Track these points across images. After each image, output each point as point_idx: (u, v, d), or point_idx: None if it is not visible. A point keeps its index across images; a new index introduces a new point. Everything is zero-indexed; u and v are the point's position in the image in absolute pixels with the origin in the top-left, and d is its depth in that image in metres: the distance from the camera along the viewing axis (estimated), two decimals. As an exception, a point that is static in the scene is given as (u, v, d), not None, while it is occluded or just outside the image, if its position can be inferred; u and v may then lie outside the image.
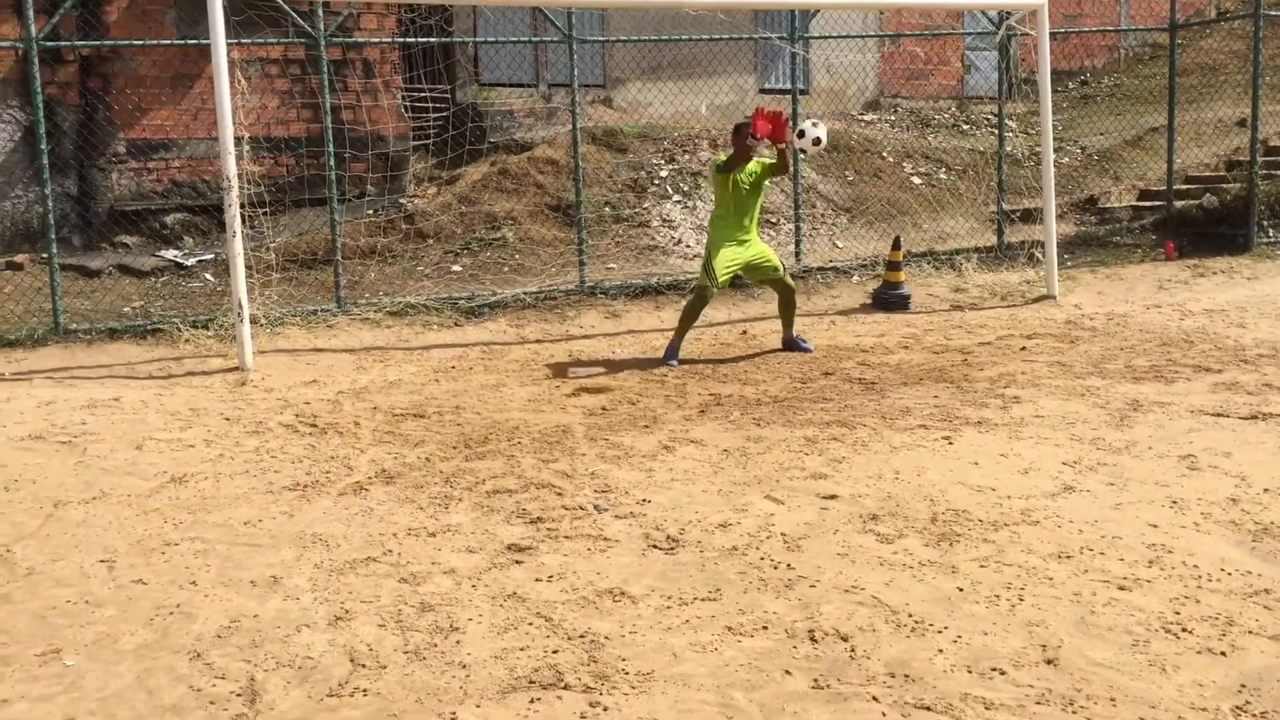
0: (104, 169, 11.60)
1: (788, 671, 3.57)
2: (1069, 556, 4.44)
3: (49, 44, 9.59)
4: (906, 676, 3.50)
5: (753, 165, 8.56)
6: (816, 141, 8.51)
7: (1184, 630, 3.76)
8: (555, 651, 3.75)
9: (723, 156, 8.63)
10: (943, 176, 14.47)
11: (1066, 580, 4.21)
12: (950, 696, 3.37)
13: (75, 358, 8.81)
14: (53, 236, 9.23)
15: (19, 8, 9.65)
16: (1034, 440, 6.10)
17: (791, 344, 8.87)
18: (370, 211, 12.22)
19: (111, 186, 11.67)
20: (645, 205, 12.60)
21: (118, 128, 11.59)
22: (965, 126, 16.38)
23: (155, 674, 3.68)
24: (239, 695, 3.53)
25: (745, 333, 9.60)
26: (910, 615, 3.94)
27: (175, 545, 4.88)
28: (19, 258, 10.86)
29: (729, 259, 8.51)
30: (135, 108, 11.59)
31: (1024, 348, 8.60)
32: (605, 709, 3.37)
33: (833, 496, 5.27)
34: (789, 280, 8.87)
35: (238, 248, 8.42)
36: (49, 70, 10.81)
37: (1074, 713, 3.27)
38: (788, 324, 8.92)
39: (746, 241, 8.59)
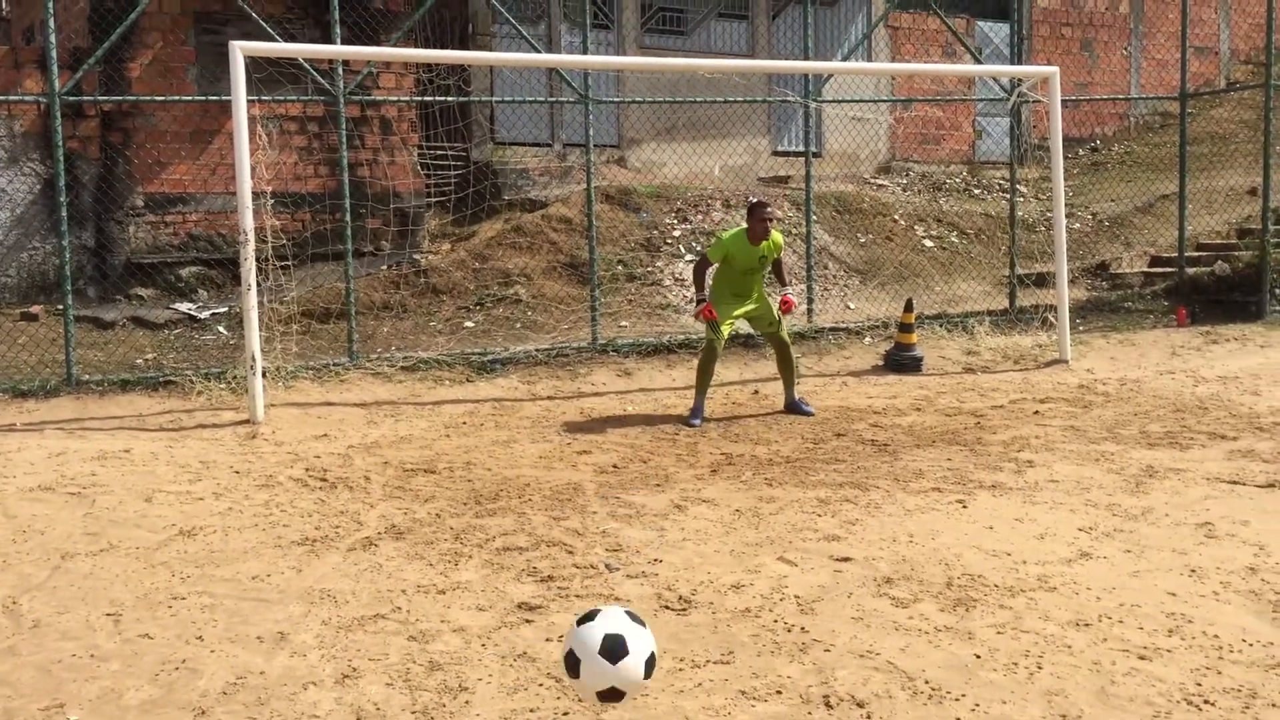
0: (121, 222, 11.70)
1: (802, 738, 3.50)
2: (1087, 624, 4.37)
3: (71, 99, 9.72)
4: (924, 745, 3.43)
5: (764, 249, 8.44)
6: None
7: (1206, 702, 3.69)
8: (565, 714, 3.69)
9: (713, 250, 8.54)
10: (954, 240, 14.53)
11: (1085, 649, 4.14)
12: (969, 767, 3.31)
13: (87, 409, 8.81)
14: (69, 288, 9.28)
15: (43, 63, 9.81)
16: (1049, 505, 6.04)
17: (793, 407, 8.79)
18: (385, 267, 12.29)
19: (128, 239, 11.76)
20: (658, 264, 12.65)
21: (136, 181, 11.71)
22: (977, 191, 16.46)
23: (160, 730, 3.63)
24: (244, 754, 3.47)
25: (757, 393, 9.58)
26: (927, 682, 3.87)
27: (182, 599, 4.83)
28: (34, 308, 10.93)
29: (729, 309, 8.52)
30: (155, 162, 11.71)
31: (1037, 411, 8.57)
32: (616, 774, 3.31)
33: (846, 559, 5.22)
34: (785, 336, 8.75)
35: (252, 301, 8.46)
36: (70, 124, 10.94)
37: (1096, 785, 3.20)
38: (788, 384, 8.85)
39: (747, 298, 8.58)
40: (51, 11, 9.19)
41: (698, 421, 8.43)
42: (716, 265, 8.58)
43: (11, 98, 10.64)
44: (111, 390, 9.12)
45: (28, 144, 11.21)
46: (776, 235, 8.59)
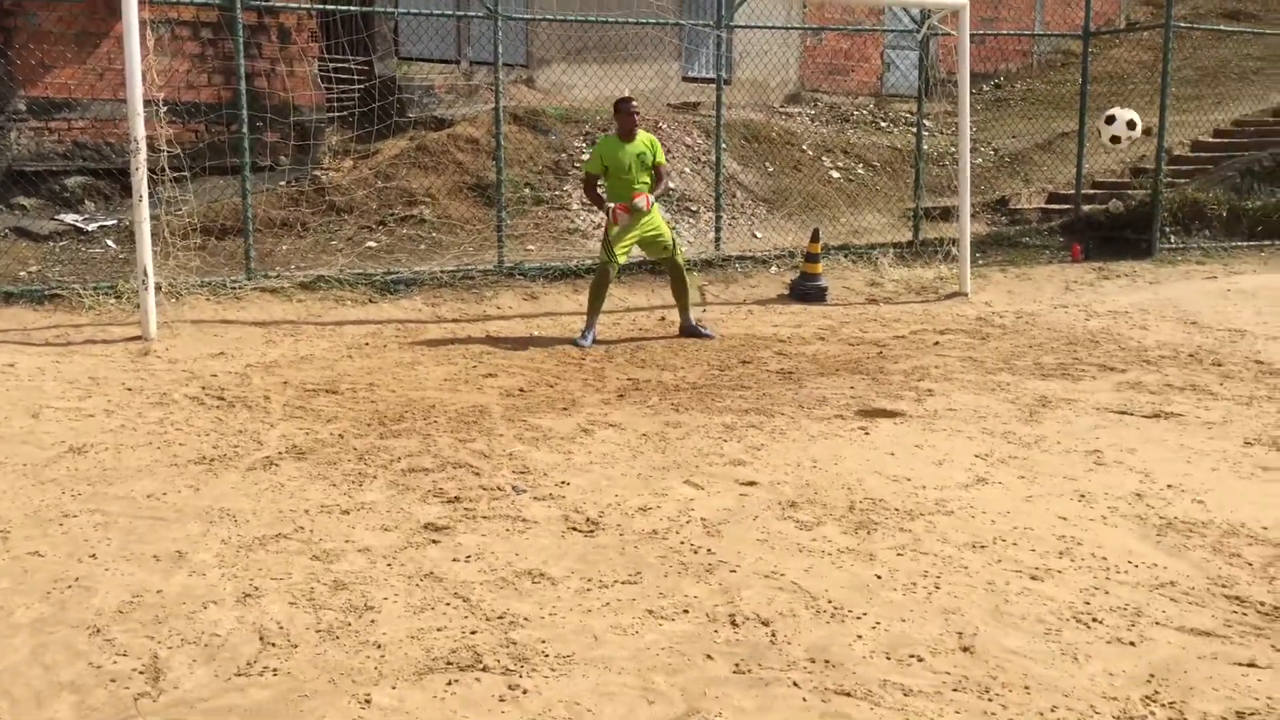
0: (2, 127, 11.11)
1: (709, 656, 3.55)
2: (983, 546, 4.50)
3: (-54, -8, 9.14)
4: (827, 662, 3.51)
5: (637, 146, 8.49)
6: (1131, 125, 9.73)
7: (1094, 620, 3.84)
8: (473, 632, 3.68)
9: (591, 163, 8.64)
10: (860, 172, 14.63)
11: (981, 569, 4.27)
12: (870, 683, 3.39)
13: (-33, 322, 8.44)
14: (-55, 194, 8.82)
15: (-86, -48, 9.19)
16: (947, 433, 6.18)
17: (690, 330, 8.89)
18: (283, 183, 11.92)
19: (9, 145, 11.19)
20: (566, 188, 12.51)
21: (18, 84, 11.11)
22: (883, 123, 16.57)
23: (52, 649, 3.52)
24: (141, 673, 3.39)
25: (664, 319, 9.58)
26: (830, 601, 3.95)
27: (74, 517, 4.68)
28: (-93, 215, 10.36)
29: (624, 233, 8.53)
30: (38, 64, 11.11)
31: (937, 342, 8.74)
32: (525, 691, 3.32)
33: (752, 483, 5.28)
34: (680, 259, 8.81)
35: (144, 213, 8.14)
36: (-55, 20, 10.30)
37: (990, 700, 3.31)
38: (683, 309, 8.93)
39: (642, 214, 8.55)
40: (-78, -103, 8.60)
41: (587, 342, 8.52)
42: (603, 182, 8.59)
43: (-121, -11, 9.97)
44: (-7, 303, 8.73)
45: (-103, 40, 10.53)
46: (649, 137, 8.64)
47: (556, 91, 14.33)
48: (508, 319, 9.49)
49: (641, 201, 8.44)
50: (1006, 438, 6.09)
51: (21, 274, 9.64)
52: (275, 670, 3.43)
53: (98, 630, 3.66)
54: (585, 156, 12.89)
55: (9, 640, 3.58)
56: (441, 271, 10.26)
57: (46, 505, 4.82)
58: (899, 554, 4.41)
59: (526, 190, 12.31)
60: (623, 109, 8.51)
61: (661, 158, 8.68)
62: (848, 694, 3.33)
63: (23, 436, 5.82)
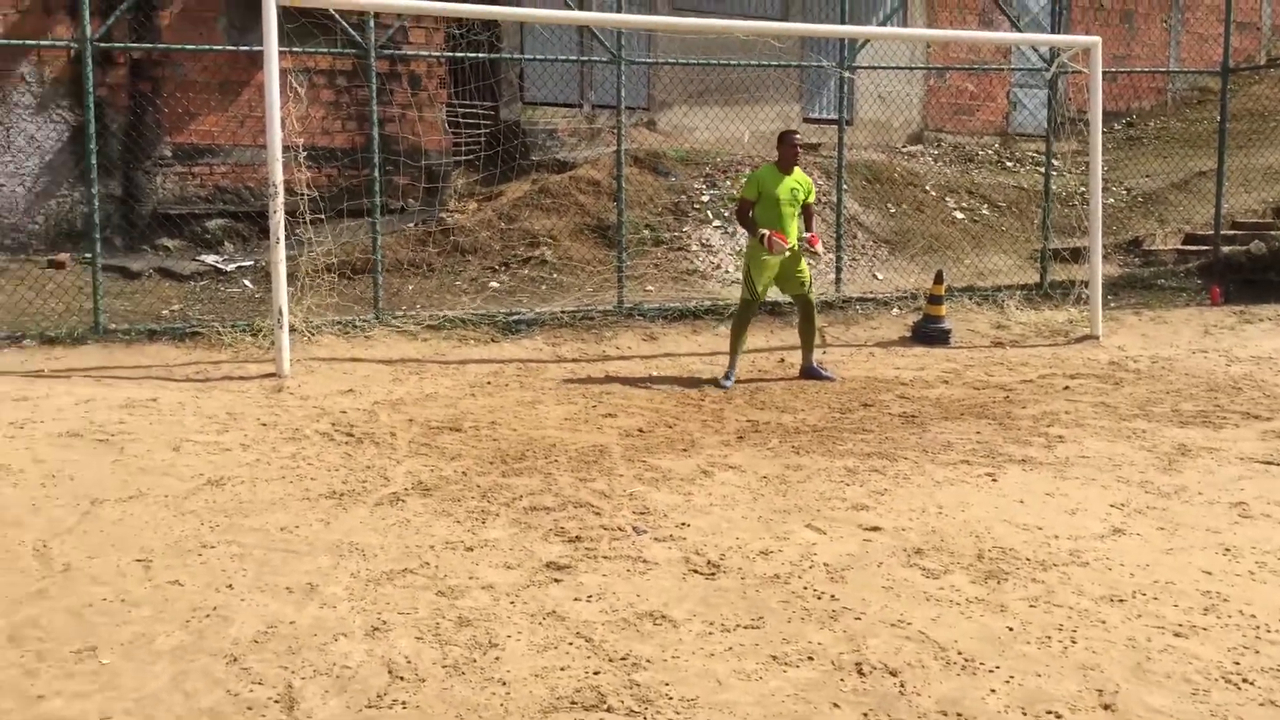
0: (149, 172, 11.67)
1: (836, 705, 3.48)
2: (1122, 600, 4.33)
3: (103, 45, 9.66)
4: (959, 715, 3.40)
5: (794, 180, 8.53)
6: None
7: (1245, 681, 3.65)
8: (597, 673, 3.68)
9: (747, 188, 8.62)
10: (985, 212, 14.37)
11: (1120, 624, 4.10)
12: (1004, 738, 3.28)
13: (114, 357, 8.83)
14: (98, 236, 9.27)
15: (74, 9, 9.76)
16: (1080, 481, 5.98)
17: (811, 372, 8.85)
18: (411, 225, 12.24)
19: (156, 189, 11.74)
20: (685, 229, 12.56)
21: (164, 131, 11.67)
22: (1009, 163, 16.27)
23: (192, 676, 3.63)
24: (276, 701, 3.47)
25: (783, 360, 9.52)
26: (960, 653, 3.84)
27: (212, 548, 4.84)
28: (61, 256, 10.92)
29: (766, 266, 8.52)
30: (183, 112, 11.66)
31: (1067, 387, 8.48)
32: (649, 734, 3.30)
33: (875, 528, 5.18)
34: (812, 297, 8.84)
35: (280, 254, 8.43)
36: (100, 72, 10.88)
37: (1132, 761, 3.17)
38: (808, 347, 8.90)
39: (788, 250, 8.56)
40: (84, -43, 9.12)
41: (729, 383, 8.52)
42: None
43: (43, 43, 10.60)
44: (138, 339, 9.13)
45: (57, 91, 11.17)
46: (805, 177, 8.68)
47: (677, 134, 14.44)
48: (627, 359, 9.54)
49: (813, 243, 8.55)
50: (1144, 487, 5.87)
51: (164, 312, 10.07)
52: (404, 703, 3.47)
53: (235, 659, 3.76)
54: (705, 198, 12.94)
55: (151, 667, 3.70)
56: (562, 312, 10.38)
57: (186, 536, 4.99)
58: (1031, 605, 4.27)
59: (646, 231, 12.40)
60: (787, 140, 8.57)
61: (813, 198, 8.74)
62: (981, 750, 3.22)
63: (164, 469, 6.05)
